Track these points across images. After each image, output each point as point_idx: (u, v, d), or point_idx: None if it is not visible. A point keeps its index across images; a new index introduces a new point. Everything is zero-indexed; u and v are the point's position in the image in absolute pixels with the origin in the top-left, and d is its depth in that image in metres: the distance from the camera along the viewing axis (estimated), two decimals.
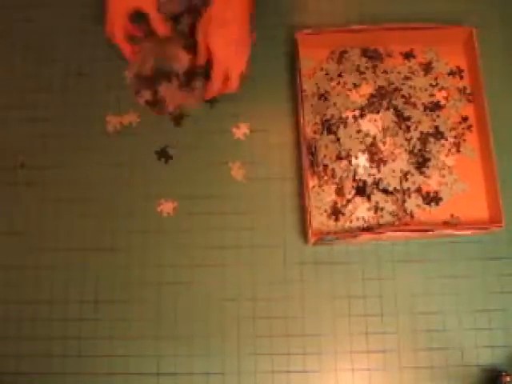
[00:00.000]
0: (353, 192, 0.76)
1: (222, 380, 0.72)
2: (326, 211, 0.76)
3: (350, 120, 0.77)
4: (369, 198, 0.76)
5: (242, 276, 0.75)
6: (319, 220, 0.76)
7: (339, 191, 0.76)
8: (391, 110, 0.78)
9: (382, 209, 0.76)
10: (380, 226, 0.75)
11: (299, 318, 0.74)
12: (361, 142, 0.76)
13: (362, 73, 0.80)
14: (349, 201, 0.76)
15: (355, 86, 0.79)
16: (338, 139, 0.77)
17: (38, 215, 0.78)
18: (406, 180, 0.76)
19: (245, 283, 0.75)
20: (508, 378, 0.70)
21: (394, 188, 0.76)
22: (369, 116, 0.77)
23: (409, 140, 0.77)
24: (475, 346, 0.73)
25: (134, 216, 0.77)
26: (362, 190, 0.76)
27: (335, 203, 0.76)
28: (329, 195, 0.76)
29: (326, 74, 0.81)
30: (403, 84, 0.80)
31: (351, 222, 0.76)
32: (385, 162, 0.76)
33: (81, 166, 0.79)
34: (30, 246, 0.77)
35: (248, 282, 0.75)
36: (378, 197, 0.76)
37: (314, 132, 0.79)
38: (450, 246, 0.76)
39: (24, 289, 0.75)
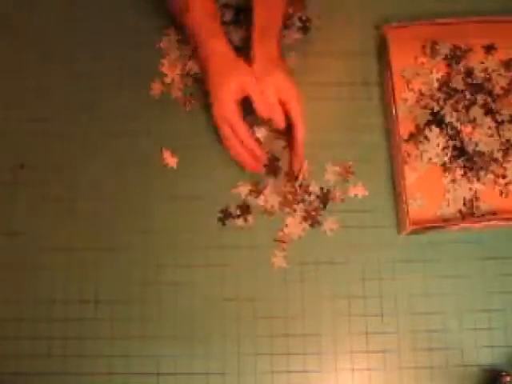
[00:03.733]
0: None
1: (222, 380, 0.72)
2: None
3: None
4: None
5: (242, 276, 0.75)
6: None
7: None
8: (478, 103, 0.78)
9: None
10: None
11: (299, 318, 0.74)
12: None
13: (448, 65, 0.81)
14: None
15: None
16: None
17: (38, 215, 0.78)
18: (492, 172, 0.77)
19: (245, 283, 0.75)
20: (508, 378, 0.70)
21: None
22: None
23: (496, 130, 0.78)
24: (475, 346, 0.73)
25: (135, 216, 0.77)
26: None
27: None
28: None
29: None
30: (488, 79, 0.80)
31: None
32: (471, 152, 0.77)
33: (81, 166, 0.79)
34: (30, 246, 0.77)
35: (248, 282, 0.75)
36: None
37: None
38: (449, 245, 0.76)
39: (24, 289, 0.75)
